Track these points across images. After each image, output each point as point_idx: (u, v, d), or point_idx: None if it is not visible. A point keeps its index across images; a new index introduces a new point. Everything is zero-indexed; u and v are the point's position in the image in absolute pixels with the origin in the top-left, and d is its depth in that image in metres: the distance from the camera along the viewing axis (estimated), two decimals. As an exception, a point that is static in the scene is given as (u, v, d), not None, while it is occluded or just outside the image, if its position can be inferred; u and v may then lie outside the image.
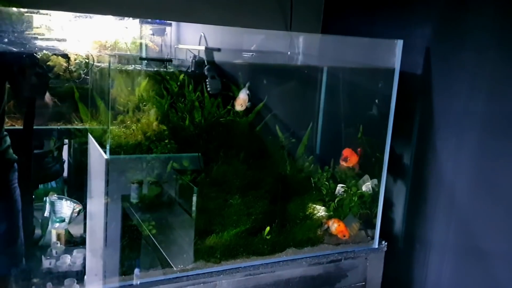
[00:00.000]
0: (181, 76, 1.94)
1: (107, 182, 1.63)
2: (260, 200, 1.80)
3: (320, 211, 1.97)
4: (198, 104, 1.99)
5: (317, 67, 2.31)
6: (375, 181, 2.12)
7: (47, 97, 1.82)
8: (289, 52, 2.17)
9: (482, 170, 1.74)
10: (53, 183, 2.24)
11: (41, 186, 2.19)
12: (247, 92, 1.92)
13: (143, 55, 2.00)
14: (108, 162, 1.62)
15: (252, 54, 1.87)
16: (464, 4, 1.78)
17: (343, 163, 2.13)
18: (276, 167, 2.00)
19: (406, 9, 2.05)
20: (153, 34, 2.00)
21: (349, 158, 2.13)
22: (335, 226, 1.95)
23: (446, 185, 1.88)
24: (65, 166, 2.21)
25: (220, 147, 1.90)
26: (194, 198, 1.74)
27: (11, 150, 1.69)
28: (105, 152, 1.64)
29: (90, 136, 1.88)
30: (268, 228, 1.78)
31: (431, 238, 1.94)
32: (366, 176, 2.17)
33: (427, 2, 1.94)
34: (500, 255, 1.69)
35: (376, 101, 2.16)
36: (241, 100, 1.89)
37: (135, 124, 1.87)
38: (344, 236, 1.94)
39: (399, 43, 1.88)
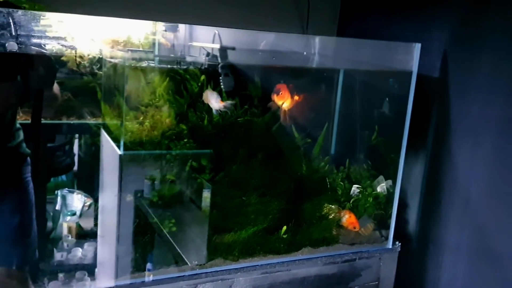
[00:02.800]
0: (202, 77, 1.97)
1: (120, 178, 1.66)
2: (277, 200, 1.84)
3: (335, 211, 2.00)
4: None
5: (333, 69, 2.34)
6: (390, 182, 2.15)
7: (56, 88, 1.82)
8: (305, 53, 2.20)
9: (497, 174, 1.76)
10: (64, 177, 2.27)
11: (52, 179, 2.22)
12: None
13: (156, 52, 2.03)
14: (121, 158, 1.65)
15: (273, 58, 1.90)
16: (483, 8, 1.80)
17: (274, 96, 1.89)
18: (292, 167, 2.03)
19: (424, 12, 2.07)
20: (165, 31, 2.01)
21: (282, 92, 1.90)
22: (346, 217, 1.98)
23: (461, 188, 1.90)
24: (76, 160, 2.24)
25: (237, 147, 1.94)
26: (208, 196, 1.78)
27: (24, 144, 1.71)
28: (118, 147, 1.69)
29: (103, 131, 1.90)
30: (285, 227, 1.81)
31: (445, 240, 1.97)
32: (381, 177, 2.19)
33: (445, 6, 1.96)
34: (514, 258, 1.71)
35: (392, 103, 2.18)
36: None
37: (152, 122, 1.91)
38: (355, 228, 1.97)
39: (417, 46, 1.89)
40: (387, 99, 2.17)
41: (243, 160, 1.87)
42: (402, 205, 2.12)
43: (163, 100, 1.98)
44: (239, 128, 2.00)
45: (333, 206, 2.01)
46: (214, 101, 1.84)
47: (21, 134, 1.70)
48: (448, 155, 1.95)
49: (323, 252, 1.88)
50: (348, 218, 1.97)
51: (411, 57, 1.90)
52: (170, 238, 1.76)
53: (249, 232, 1.74)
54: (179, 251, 1.71)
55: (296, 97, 1.91)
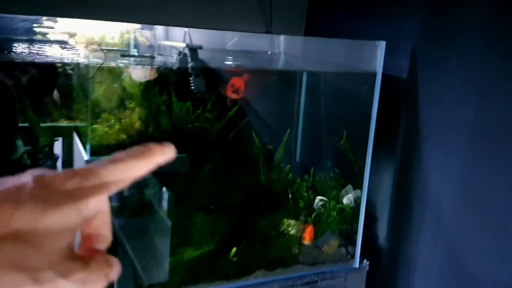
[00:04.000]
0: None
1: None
2: (226, 217, 1.65)
3: (294, 227, 1.81)
4: (166, 108, 1.84)
5: (296, 71, 2.15)
6: (359, 192, 1.97)
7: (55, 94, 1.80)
8: (269, 52, 2.01)
9: (469, 185, 1.58)
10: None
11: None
12: None
13: (132, 50, 1.87)
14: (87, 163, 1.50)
15: (213, 58, 1.71)
16: (452, 4, 1.61)
17: (233, 96, 1.86)
18: (248, 178, 1.85)
19: (392, 8, 1.88)
20: (142, 28, 1.87)
21: (241, 89, 1.88)
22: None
23: (431, 200, 1.71)
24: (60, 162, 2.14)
25: (186, 157, 1.75)
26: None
27: (26, 155, 1.69)
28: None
29: (75, 135, 1.81)
30: (234, 249, 1.63)
31: (416, 257, 1.79)
32: (349, 187, 2.01)
33: (413, 0, 1.77)
34: (488, 277, 1.53)
35: (360, 106, 2.00)
36: None
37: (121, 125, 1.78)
38: (304, 238, 1.80)
39: (381, 44, 1.71)
40: (354, 102, 1.98)
41: (190, 173, 1.68)
42: (370, 219, 1.93)
43: (134, 102, 1.84)
44: (189, 135, 1.81)
45: (292, 221, 1.83)
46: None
47: (21, 145, 1.64)
48: (418, 163, 1.76)
49: (280, 275, 1.70)
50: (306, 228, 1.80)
51: (376, 56, 1.72)
52: (130, 254, 1.59)
53: (192, 255, 1.56)
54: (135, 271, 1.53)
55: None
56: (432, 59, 1.69)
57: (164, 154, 0.37)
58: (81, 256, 0.34)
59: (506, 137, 1.47)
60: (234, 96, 1.78)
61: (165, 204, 1.65)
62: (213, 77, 1.96)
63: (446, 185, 1.66)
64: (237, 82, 1.86)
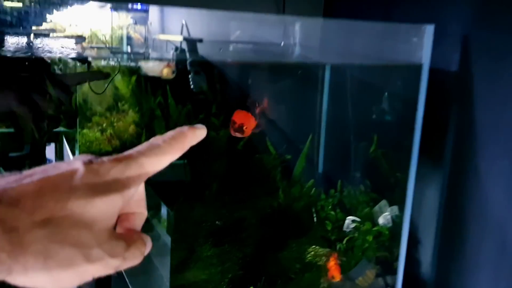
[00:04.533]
0: (133, 78, 1.46)
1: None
2: (240, 249, 1.32)
3: (323, 257, 1.48)
4: (161, 113, 1.52)
5: (316, 65, 1.81)
6: (396, 209, 1.64)
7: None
8: (282, 43, 1.68)
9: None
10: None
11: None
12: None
13: (125, 47, 1.57)
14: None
15: (220, 49, 1.38)
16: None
17: (237, 134, 1.34)
18: (264, 197, 1.52)
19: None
20: (135, 23, 1.58)
21: (245, 125, 1.36)
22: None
23: (494, 222, 1.38)
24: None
25: (192, 178, 1.43)
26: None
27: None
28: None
29: (64, 141, 1.61)
30: (251, 289, 1.30)
31: (473, 290, 1.46)
32: (384, 202, 1.68)
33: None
34: None
35: (396, 105, 1.67)
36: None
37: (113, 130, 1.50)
38: (333, 277, 1.46)
39: (428, 29, 1.37)
40: (389, 101, 1.65)
41: (192, 195, 1.35)
42: (413, 242, 1.60)
43: (126, 105, 1.55)
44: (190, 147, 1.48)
45: (321, 249, 1.50)
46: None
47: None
48: (475, 174, 1.43)
49: (307, 317, 1.38)
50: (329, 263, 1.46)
51: (421, 44, 1.38)
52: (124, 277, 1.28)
53: (198, 300, 1.23)
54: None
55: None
56: (491, 46, 1.36)
57: (196, 136, 0.39)
58: (121, 236, 0.37)
59: None
60: (238, 135, 1.34)
61: (163, 218, 1.33)
62: (218, 74, 1.64)
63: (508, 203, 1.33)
64: (241, 117, 1.36)
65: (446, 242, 1.53)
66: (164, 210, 1.33)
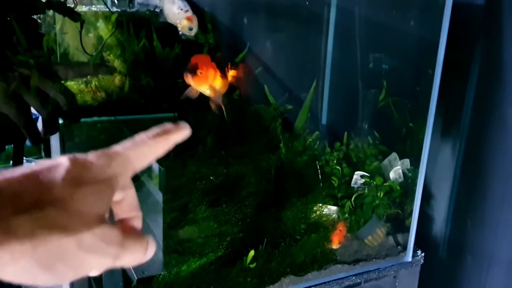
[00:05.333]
0: (113, 17, 1.26)
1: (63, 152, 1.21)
2: (239, 209, 1.18)
3: (330, 214, 1.35)
4: (144, 58, 1.34)
5: (320, 2, 1.61)
6: (407, 162, 1.50)
7: None
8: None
9: None
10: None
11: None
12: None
13: None
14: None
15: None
16: None
17: (188, 78, 1.03)
18: (264, 152, 1.36)
19: None
20: None
21: (201, 69, 1.03)
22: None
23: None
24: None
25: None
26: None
27: None
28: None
29: None
30: (252, 253, 1.17)
31: (491, 249, 1.34)
32: (394, 156, 1.54)
33: None
34: None
35: (409, 47, 1.50)
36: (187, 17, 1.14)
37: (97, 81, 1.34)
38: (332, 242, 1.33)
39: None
40: (402, 41, 1.48)
41: (185, 150, 1.20)
42: (425, 197, 1.47)
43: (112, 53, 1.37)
44: (179, 94, 1.32)
45: (328, 207, 1.36)
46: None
47: None
48: (499, 123, 1.29)
49: (313, 280, 1.26)
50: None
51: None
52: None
53: (194, 265, 1.10)
54: None
55: (231, 72, 1.16)
56: None
57: (180, 135, 0.40)
58: (117, 225, 0.37)
59: None
60: (189, 77, 1.03)
61: (154, 175, 1.19)
62: (209, 13, 1.45)
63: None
64: (200, 60, 1.05)
65: (463, 198, 1.41)
66: (155, 167, 1.18)
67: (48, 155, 1.42)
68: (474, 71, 1.33)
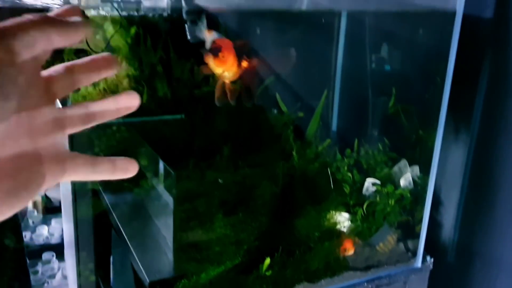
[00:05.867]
0: (133, 30, 1.29)
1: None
2: (255, 218, 1.21)
3: (343, 222, 1.38)
4: (162, 69, 1.37)
5: (331, 12, 1.64)
6: (416, 169, 1.53)
7: None
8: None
9: None
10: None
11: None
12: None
13: None
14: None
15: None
16: None
17: (209, 58, 1.02)
18: (277, 159, 1.39)
19: None
20: None
21: (223, 52, 1.03)
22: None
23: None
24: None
25: (194, 137, 1.30)
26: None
27: None
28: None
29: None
30: (267, 260, 1.20)
31: (500, 254, 1.37)
32: (403, 162, 1.57)
33: None
34: None
35: (417, 57, 1.52)
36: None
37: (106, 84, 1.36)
38: (345, 250, 1.37)
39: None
40: (410, 51, 1.50)
41: (200, 160, 1.23)
42: (434, 204, 1.50)
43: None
44: (194, 105, 1.35)
45: (339, 215, 1.39)
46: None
47: None
48: (507, 132, 1.31)
49: (326, 286, 1.29)
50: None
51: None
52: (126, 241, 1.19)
53: (212, 274, 1.13)
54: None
55: (244, 63, 1.16)
56: None
57: (129, 100, 0.39)
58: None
59: None
60: (210, 56, 1.03)
61: (163, 178, 1.22)
62: (223, 24, 1.48)
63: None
64: (224, 44, 1.06)
65: (471, 204, 1.44)
66: (165, 172, 1.21)
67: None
68: (483, 81, 1.36)
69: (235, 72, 1.14)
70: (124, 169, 0.39)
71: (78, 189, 1.16)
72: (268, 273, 1.20)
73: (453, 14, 1.24)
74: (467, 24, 1.27)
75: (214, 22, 1.37)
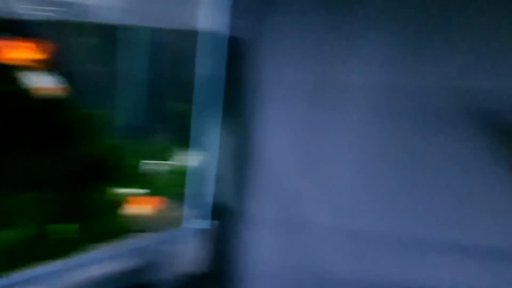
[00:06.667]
0: None
1: None
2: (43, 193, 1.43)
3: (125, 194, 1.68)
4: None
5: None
6: (195, 153, 1.91)
7: None
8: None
9: (307, 144, 1.67)
10: None
11: None
12: None
13: None
14: None
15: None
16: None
17: None
18: (69, 148, 1.63)
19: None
20: None
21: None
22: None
23: (271, 159, 1.75)
24: None
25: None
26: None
27: None
28: None
29: None
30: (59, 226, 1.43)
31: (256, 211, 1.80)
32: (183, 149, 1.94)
33: None
34: (321, 226, 1.66)
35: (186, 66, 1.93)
36: None
37: None
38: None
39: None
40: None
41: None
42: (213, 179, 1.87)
43: None
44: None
45: (122, 191, 1.69)
46: None
47: None
48: (261, 123, 1.76)
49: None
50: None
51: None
52: None
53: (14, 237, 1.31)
54: None
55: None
56: (271, 14, 1.65)
57: None
58: None
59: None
60: None
61: None
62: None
63: (285, 143, 1.70)
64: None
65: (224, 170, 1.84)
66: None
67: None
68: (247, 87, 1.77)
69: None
70: None
71: None
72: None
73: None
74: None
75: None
